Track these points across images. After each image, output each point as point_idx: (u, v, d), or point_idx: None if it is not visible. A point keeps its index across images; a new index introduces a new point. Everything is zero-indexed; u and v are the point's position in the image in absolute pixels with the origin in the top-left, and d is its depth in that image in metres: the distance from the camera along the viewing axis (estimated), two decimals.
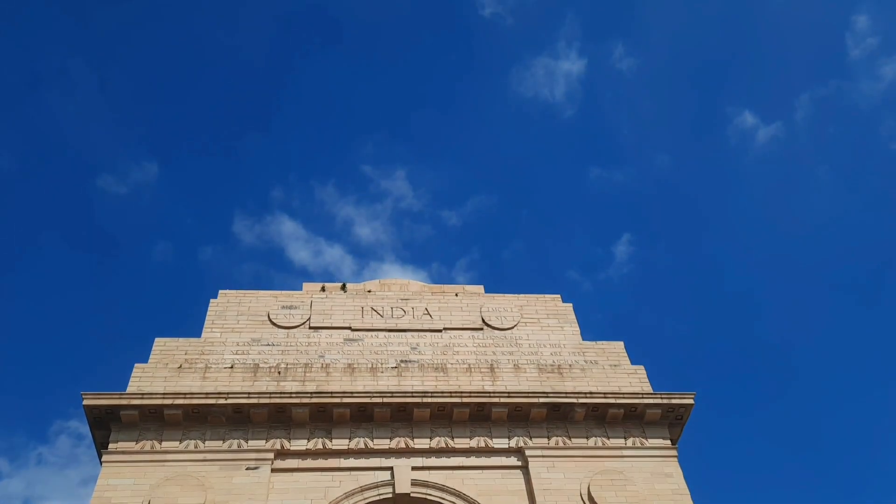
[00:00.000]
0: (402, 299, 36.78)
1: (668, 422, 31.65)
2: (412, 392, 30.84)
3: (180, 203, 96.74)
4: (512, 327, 35.70)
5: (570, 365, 33.67)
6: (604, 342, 35.44)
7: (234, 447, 29.08)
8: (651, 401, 31.22)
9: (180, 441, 29.03)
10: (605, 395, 31.29)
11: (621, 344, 35.32)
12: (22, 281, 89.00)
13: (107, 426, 29.26)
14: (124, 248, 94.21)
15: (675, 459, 30.69)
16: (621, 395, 31.36)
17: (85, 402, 28.73)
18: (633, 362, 34.29)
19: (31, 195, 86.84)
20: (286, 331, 34.33)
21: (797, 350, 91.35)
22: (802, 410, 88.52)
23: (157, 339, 32.80)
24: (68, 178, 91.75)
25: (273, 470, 28.75)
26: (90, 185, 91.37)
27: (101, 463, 28.52)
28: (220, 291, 35.96)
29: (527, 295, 37.88)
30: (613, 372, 33.48)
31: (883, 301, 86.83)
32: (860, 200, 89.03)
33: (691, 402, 31.42)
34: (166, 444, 28.88)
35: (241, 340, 33.47)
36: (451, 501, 28.97)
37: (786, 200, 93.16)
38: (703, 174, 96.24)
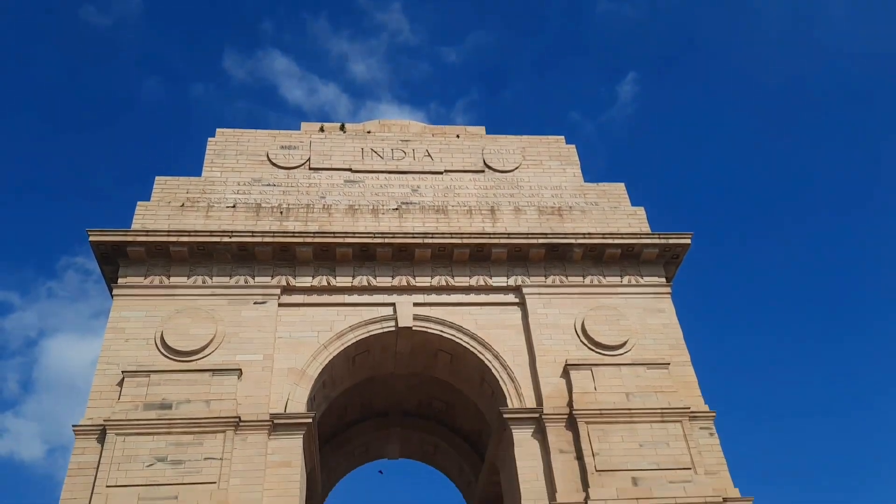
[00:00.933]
0: (402, 140, 36.29)
1: (665, 261, 32.36)
2: (413, 233, 31.23)
3: (167, 37, 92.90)
4: (513, 169, 35.51)
5: (571, 207, 33.86)
6: (605, 184, 35.43)
7: (241, 283, 29.91)
8: (648, 241, 31.72)
9: (188, 276, 29.81)
10: (603, 235, 31.72)
11: (622, 186, 35.32)
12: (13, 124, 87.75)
13: (114, 262, 29.93)
14: (115, 84, 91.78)
15: (669, 297, 31.70)
16: (619, 236, 31.82)
17: (91, 239, 29.17)
18: (633, 204, 34.49)
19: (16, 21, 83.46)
20: (286, 171, 34.19)
21: (797, 195, 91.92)
22: (798, 256, 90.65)
23: (157, 178, 32.75)
24: (51, 7, 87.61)
25: (280, 304, 29.75)
26: (73, 16, 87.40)
27: (112, 296, 29.45)
28: (218, 130, 35.42)
29: (529, 136, 37.35)
30: (613, 213, 33.74)
31: (883, 147, 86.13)
32: (874, 32, 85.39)
33: (688, 242, 31.93)
34: (174, 280, 29.68)
35: (242, 180, 33.42)
36: (450, 334, 30.25)
37: (796, 36, 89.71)
38: (713, 11, 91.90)
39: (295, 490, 26.75)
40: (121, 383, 27.07)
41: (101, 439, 25.88)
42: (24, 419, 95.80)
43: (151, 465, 25.55)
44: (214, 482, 25.44)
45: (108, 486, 24.91)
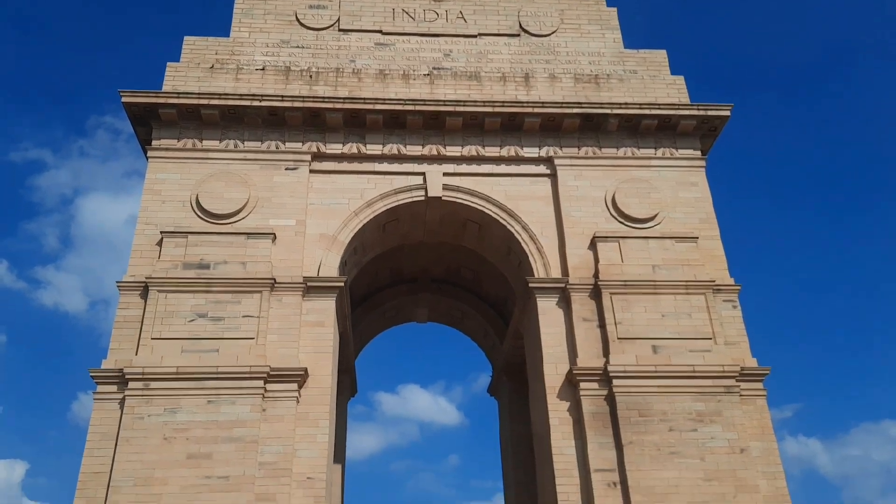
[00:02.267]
0: (434, 1, 34.78)
1: (701, 133, 31.53)
2: (444, 101, 30.65)
3: None
4: (550, 34, 34.09)
5: (608, 75, 32.71)
6: (645, 51, 33.93)
7: (272, 148, 30.02)
8: (687, 112, 30.77)
9: (219, 140, 29.97)
10: (640, 105, 30.80)
11: (664, 53, 33.82)
12: None
13: (146, 123, 30.10)
14: None
15: (703, 170, 31.17)
16: (657, 106, 30.86)
17: (124, 100, 29.21)
18: (673, 73, 33.17)
19: None
20: (315, 32, 33.25)
21: (839, 72, 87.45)
22: (835, 134, 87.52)
23: (186, 38, 32.16)
24: None
25: (311, 171, 29.97)
26: None
27: (147, 158, 29.87)
28: None
29: None
30: (652, 82, 32.56)
31: None
32: None
33: (727, 114, 30.94)
34: (207, 143, 29.89)
35: (271, 41, 32.66)
36: (479, 204, 30.40)
37: None
38: None
39: (328, 348, 28.20)
40: (160, 243, 28.03)
41: (144, 295, 27.23)
42: (65, 273, 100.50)
43: (192, 320, 27.00)
44: (252, 338, 26.91)
45: (152, 339, 26.54)
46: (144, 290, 27.28)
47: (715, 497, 25.45)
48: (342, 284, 28.89)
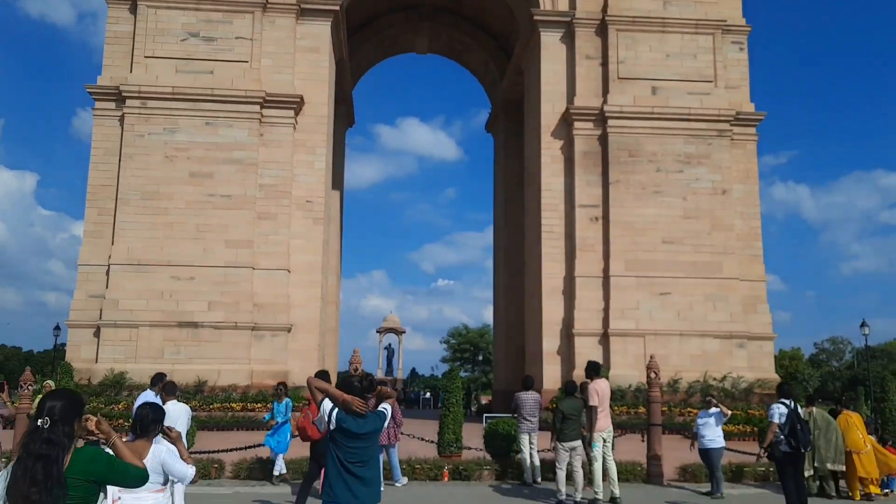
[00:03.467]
0: None
1: None
2: None
3: None
4: None
5: None
6: None
7: None
8: None
9: None
10: None
11: None
12: None
13: None
14: None
15: None
16: None
17: None
18: None
19: None
20: None
21: None
22: None
23: None
24: None
25: None
26: None
27: None
28: None
29: None
30: None
31: None
32: None
33: None
34: None
35: None
36: None
37: None
38: None
39: (324, 76, 27.85)
40: None
41: (133, 10, 26.24)
42: None
43: (185, 39, 26.32)
44: (246, 61, 26.46)
45: (146, 57, 26.10)
46: (133, 4, 26.21)
47: (690, 233, 27.04)
48: (337, 7, 27.66)
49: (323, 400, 5.06)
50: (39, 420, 3.15)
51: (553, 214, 28.05)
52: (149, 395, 9.35)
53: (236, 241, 26.30)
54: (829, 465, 11.79)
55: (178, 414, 8.20)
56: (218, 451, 12.92)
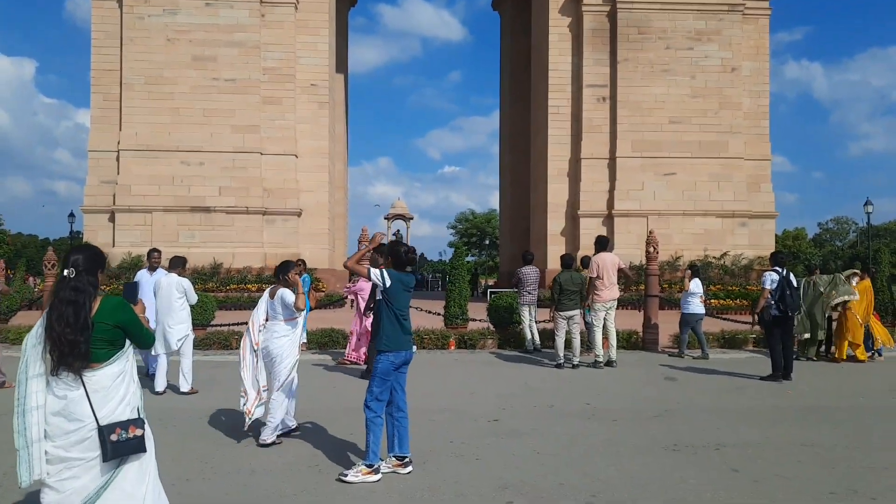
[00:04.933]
0: None
1: None
2: None
3: None
4: None
5: None
6: None
7: None
8: None
9: None
10: None
11: None
12: None
13: None
14: None
15: None
16: None
17: None
18: None
19: None
20: None
21: None
22: None
23: None
24: None
25: None
26: None
27: None
28: None
29: None
30: None
31: None
32: None
33: None
34: None
35: None
36: None
37: None
38: None
39: None
40: None
41: None
42: None
43: None
44: None
45: None
46: None
47: (697, 113, 26.85)
48: None
49: (369, 270, 5.47)
50: (66, 270, 3.44)
51: (560, 95, 27.79)
52: (141, 275, 9.90)
53: (243, 126, 26.39)
54: (813, 332, 12.53)
55: (168, 284, 8.77)
56: (237, 324, 13.69)
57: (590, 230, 26.55)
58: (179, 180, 26.12)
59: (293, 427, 6.63)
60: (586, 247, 21.05)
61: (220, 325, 13.72)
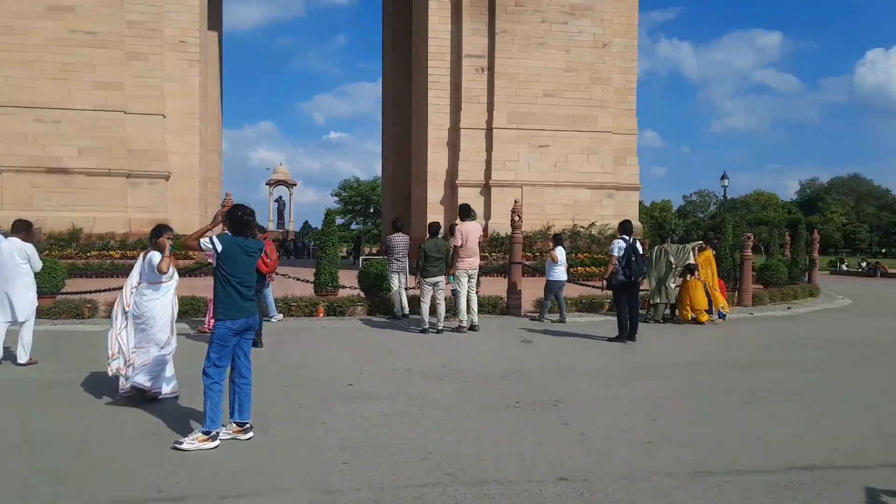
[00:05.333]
0: None
1: None
2: None
3: None
4: None
5: None
6: None
7: None
8: None
9: None
10: None
11: None
12: None
13: None
14: None
15: None
16: None
17: None
18: None
19: None
20: None
21: None
22: None
23: None
24: None
25: None
26: None
27: None
28: None
29: None
30: None
31: None
32: None
33: None
34: None
35: None
36: None
37: None
38: None
39: None
40: None
41: None
42: None
43: None
44: None
45: None
46: None
47: (570, 86, 27.74)
48: None
49: (198, 241, 5.36)
50: None
51: (440, 64, 27.89)
52: None
53: (105, 82, 24.76)
54: (661, 297, 13.49)
55: (9, 250, 8.32)
56: (91, 292, 13.02)
57: (468, 200, 26.89)
58: (33, 139, 24.23)
59: (168, 392, 6.60)
60: None
61: (72, 294, 12.98)
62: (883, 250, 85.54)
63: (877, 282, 33.92)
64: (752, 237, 17.22)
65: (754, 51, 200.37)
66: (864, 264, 43.68)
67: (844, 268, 43.59)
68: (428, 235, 11.90)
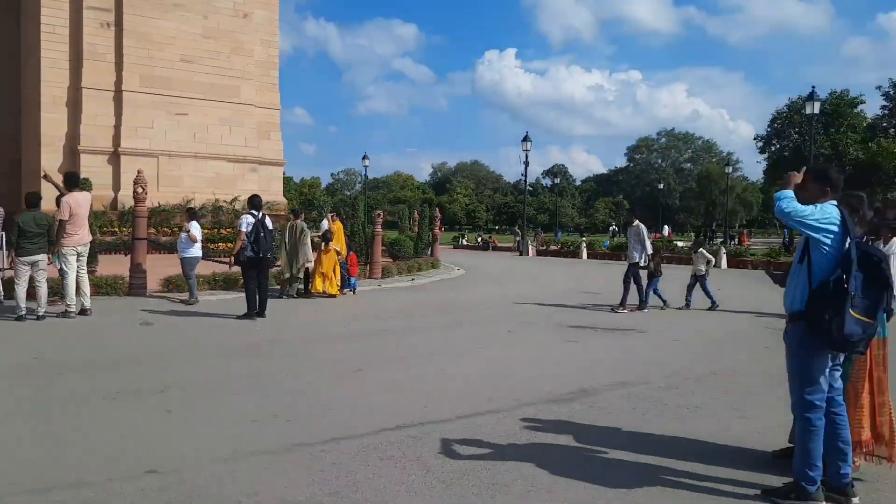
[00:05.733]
0: None
1: None
2: None
3: None
4: None
5: None
6: None
7: None
8: None
9: None
10: None
11: None
12: None
13: None
14: None
15: None
16: None
17: None
18: None
19: None
20: None
21: None
22: None
23: None
24: None
25: None
26: None
27: None
28: None
29: None
30: None
31: None
32: None
33: None
34: None
35: None
36: None
37: None
38: None
39: None
40: None
41: None
42: None
43: None
44: None
45: None
46: None
47: (210, 54, 26.47)
48: None
49: None
50: None
51: (56, 13, 24.40)
52: None
53: None
54: (294, 271, 13.70)
55: None
56: None
57: (92, 168, 24.23)
58: None
59: None
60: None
61: None
62: (496, 227, 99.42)
63: (488, 255, 39.10)
64: (380, 214, 18.41)
65: (394, 40, 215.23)
66: (479, 239, 50.07)
67: (465, 242, 49.46)
68: (25, 207, 10.29)
